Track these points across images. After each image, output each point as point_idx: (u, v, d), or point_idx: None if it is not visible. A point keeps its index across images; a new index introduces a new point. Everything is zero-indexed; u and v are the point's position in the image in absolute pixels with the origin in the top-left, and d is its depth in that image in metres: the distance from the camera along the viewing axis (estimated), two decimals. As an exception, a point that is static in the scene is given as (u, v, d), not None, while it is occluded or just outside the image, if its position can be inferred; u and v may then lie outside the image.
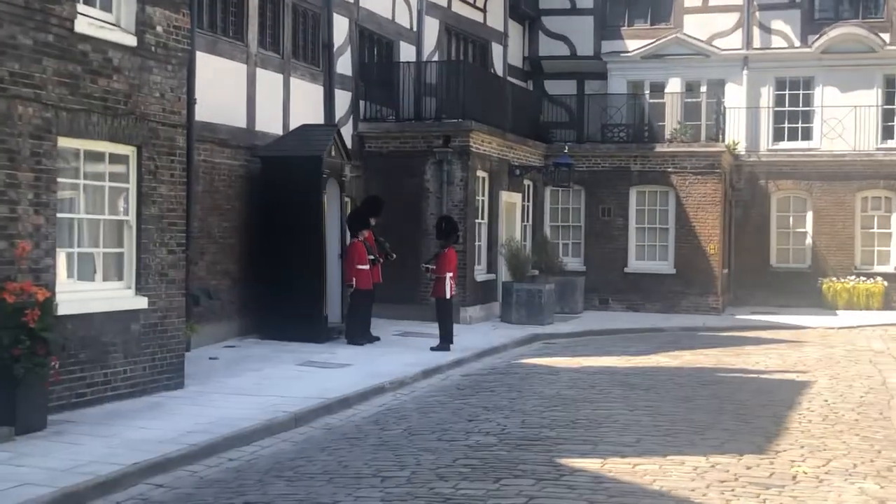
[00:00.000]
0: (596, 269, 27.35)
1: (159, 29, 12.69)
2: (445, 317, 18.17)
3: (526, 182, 26.58)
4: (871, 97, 29.40)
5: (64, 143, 11.36)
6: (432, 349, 17.77)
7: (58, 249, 11.33)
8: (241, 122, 18.35)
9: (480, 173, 23.25)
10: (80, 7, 11.59)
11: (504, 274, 24.18)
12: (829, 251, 28.99)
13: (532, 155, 26.66)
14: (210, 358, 15.81)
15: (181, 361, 13.26)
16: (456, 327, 18.90)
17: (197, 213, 16.72)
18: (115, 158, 12.28)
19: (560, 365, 17.14)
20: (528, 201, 27.20)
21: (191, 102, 15.32)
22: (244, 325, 18.31)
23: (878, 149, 29.19)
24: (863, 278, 28.34)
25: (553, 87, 31.52)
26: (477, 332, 20.81)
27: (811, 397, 14.00)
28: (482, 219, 23.63)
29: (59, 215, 11.30)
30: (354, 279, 18.24)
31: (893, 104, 29.58)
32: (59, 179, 11.32)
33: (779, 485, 9.04)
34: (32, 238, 10.80)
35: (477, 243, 23.33)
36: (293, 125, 19.53)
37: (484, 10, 28.03)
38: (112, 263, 12.39)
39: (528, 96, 29.28)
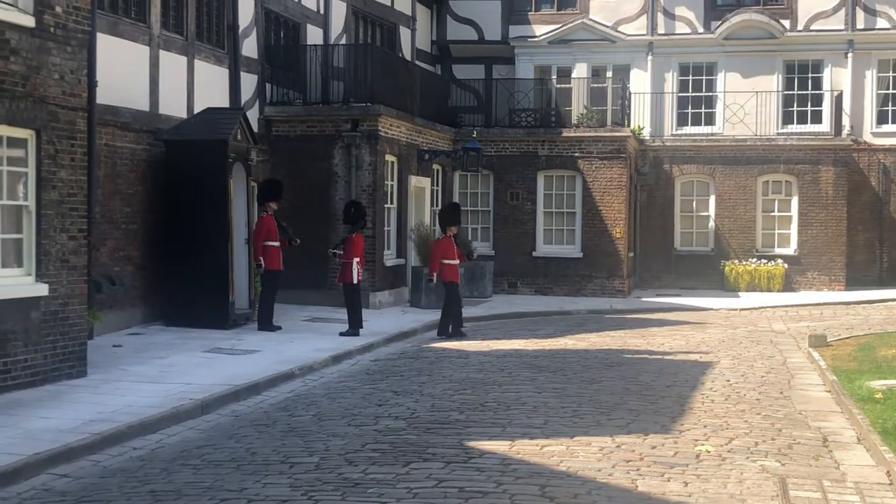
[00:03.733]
0: (504, 253, 27.54)
1: (58, 9, 12.39)
2: (353, 302, 18.12)
3: (435, 167, 26.61)
4: (772, 83, 30.08)
5: (-42, 126, 11.06)
6: (342, 334, 17.71)
7: (-47, 236, 11.05)
8: (144, 106, 18.04)
9: (389, 158, 23.21)
10: (-25, -14, 11.28)
11: (414, 259, 24.21)
12: (731, 234, 29.60)
13: (441, 139, 26.71)
14: (114, 346, 15.56)
15: (83, 349, 13.02)
16: (365, 312, 18.88)
17: (99, 198, 16.42)
18: (13, 142, 11.97)
19: (469, 348, 17.23)
20: (437, 186, 27.24)
21: (92, 85, 15.04)
22: (149, 313, 18.04)
23: (778, 133, 29.87)
24: (764, 261, 28.99)
25: (461, 72, 31.57)
26: (386, 317, 20.81)
27: (714, 377, 14.31)
28: (391, 203, 23.60)
29: (-46, 200, 11.01)
30: (262, 259, 18.13)
31: (793, 90, 30.30)
32: (-46, 163, 11.03)
33: (683, 463, 9.23)
34: (-74, 224, 10.50)
35: (386, 228, 23.29)
36: (198, 108, 19.26)
37: (392, -6, 27.97)
38: (11, 249, 12.09)
39: (436, 81, 29.30)
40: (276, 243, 18.48)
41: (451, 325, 18.77)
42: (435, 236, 24.99)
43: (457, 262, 19.05)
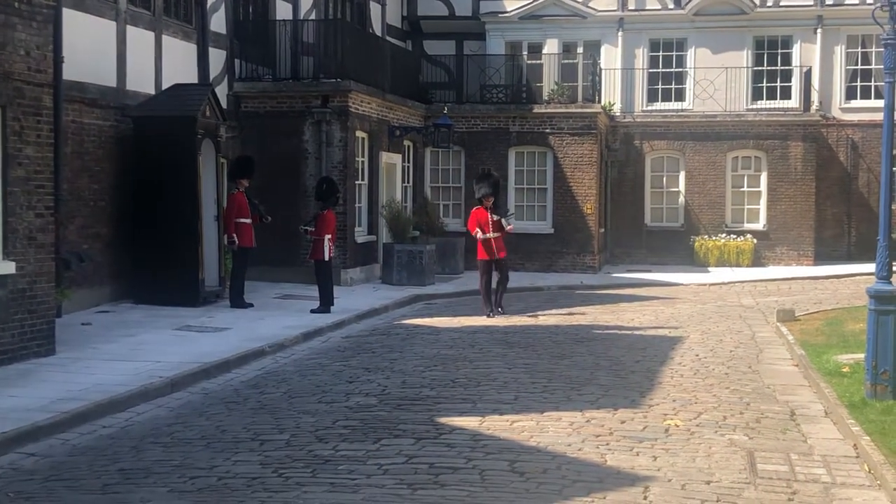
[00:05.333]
0: (476, 229, 27.49)
1: (22, -17, 12.24)
2: (325, 279, 18.09)
3: (406, 143, 26.56)
4: (742, 59, 30.17)
5: (-79, 102, 10.92)
6: (312, 311, 17.68)
7: (-83, 213, 10.92)
8: (112, 81, 17.86)
9: (360, 134, 23.12)
10: (-64, -41, 11.11)
11: (385, 235, 24.18)
12: (701, 210, 29.73)
13: (412, 115, 26.63)
14: (83, 323, 15.46)
15: (51, 327, 12.93)
16: (336, 289, 18.85)
17: (66, 175, 16.27)
18: (-22, 118, 11.86)
19: (441, 325, 17.25)
20: (409, 162, 27.19)
21: (58, 60, 14.87)
22: (118, 290, 17.93)
23: (747, 109, 29.99)
24: (733, 236, 29.16)
25: (432, 48, 31.42)
26: (357, 294, 20.80)
27: (683, 352, 14.39)
28: (362, 180, 23.53)
29: (-83, 178, 10.88)
30: (236, 235, 18.08)
31: (763, 65, 30.40)
32: (-83, 140, 10.89)
33: (651, 438, 9.29)
34: None
35: (357, 205, 23.22)
36: (166, 84, 19.10)
37: (361, -31, 27.78)
38: (-24, 228, 11.99)
39: (407, 56, 29.18)
40: (248, 220, 18.41)
41: (499, 297, 18.57)
42: (407, 214, 25.06)
43: (492, 235, 18.35)
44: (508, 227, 18.93)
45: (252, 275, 19.20)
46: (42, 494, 7.64)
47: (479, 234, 18.38)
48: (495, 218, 18.51)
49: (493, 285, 18.59)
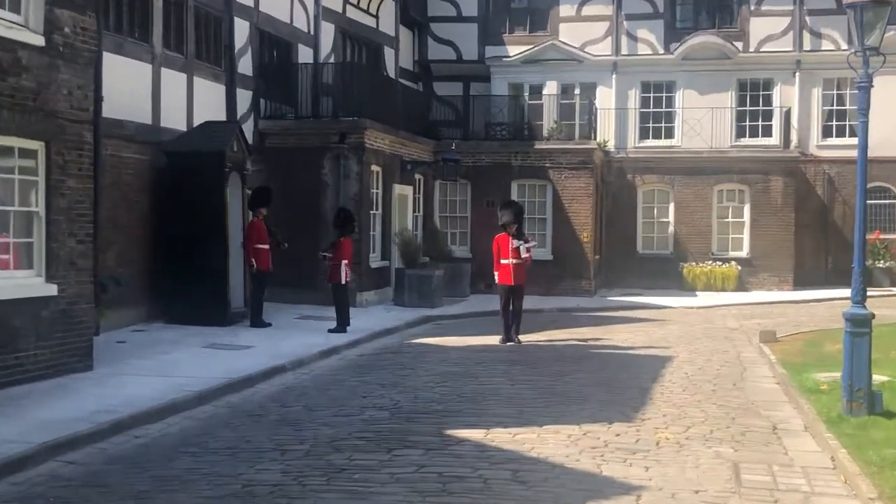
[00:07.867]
0: (481, 255, 27.27)
1: (66, 30, 12.32)
2: (342, 301, 18.08)
3: (417, 176, 26.57)
4: (726, 99, 30.22)
5: (-27, 137, 10.97)
6: (330, 331, 17.65)
7: (-32, 240, 10.96)
8: (147, 119, 17.96)
9: (374, 168, 23.17)
10: (-12, 7, 11.20)
11: (397, 261, 24.16)
12: (689, 238, 29.66)
13: (422, 151, 26.67)
14: (118, 342, 15.45)
15: (90, 345, 12.93)
16: (352, 311, 18.79)
17: (105, 204, 16.29)
18: (25, 153, 11.91)
19: (449, 344, 17.20)
20: (419, 193, 27.20)
21: (98, 100, 14.91)
22: (151, 311, 17.94)
23: (731, 146, 29.98)
24: (719, 263, 29.07)
25: (441, 89, 31.54)
26: (371, 315, 20.76)
27: (673, 370, 14.32)
28: (376, 210, 23.55)
29: (-32, 207, 10.92)
30: (254, 260, 18.10)
31: (746, 106, 30.44)
32: (-31, 173, 10.94)
33: (644, 450, 9.24)
34: (-58, 229, 10.41)
35: (371, 233, 23.23)
36: (196, 122, 19.19)
37: (376, 17, 27.90)
38: (22, 252, 12.01)
39: (418, 97, 29.27)
40: (266, 246, 18.43)
41: (514, 327, 17.39)
42: (417, 241, 25.04)
43: (511, 261, 17.54)
44: (525, 256, 17.79)
45: (273, 296, 19.19)
46: (78, 500, 7.63)
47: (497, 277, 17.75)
48: (515, 244, 17.73)
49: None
